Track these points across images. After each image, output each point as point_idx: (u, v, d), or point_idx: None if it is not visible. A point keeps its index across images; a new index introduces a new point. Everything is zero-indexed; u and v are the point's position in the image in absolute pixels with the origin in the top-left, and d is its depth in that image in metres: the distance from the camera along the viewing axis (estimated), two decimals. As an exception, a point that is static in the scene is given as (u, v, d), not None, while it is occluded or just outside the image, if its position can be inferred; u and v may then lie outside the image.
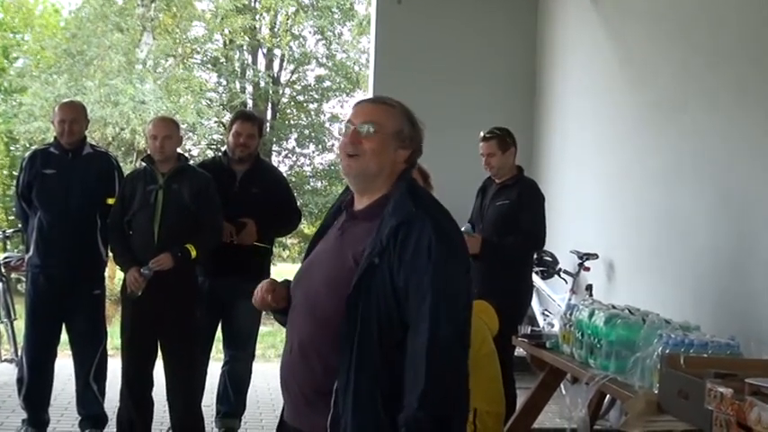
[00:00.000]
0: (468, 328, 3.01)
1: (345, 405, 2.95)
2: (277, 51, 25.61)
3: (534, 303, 8.88)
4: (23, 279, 8.57)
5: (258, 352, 7.35)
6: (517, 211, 6.62)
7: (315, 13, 25.02)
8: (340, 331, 2.98)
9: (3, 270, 9.57)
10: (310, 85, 26.42)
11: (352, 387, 2.94)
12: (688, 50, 7.09)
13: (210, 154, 20.98)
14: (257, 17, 24.84)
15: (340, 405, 2.97)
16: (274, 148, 25.21)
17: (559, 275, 8.92)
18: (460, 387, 2.95)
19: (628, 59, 8.25)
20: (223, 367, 7.03)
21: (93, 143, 7.40)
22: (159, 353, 6.47)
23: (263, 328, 7.81)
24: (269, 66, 25.82)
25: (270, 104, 25.48)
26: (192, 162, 6.83)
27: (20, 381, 6.70)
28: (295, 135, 26.07)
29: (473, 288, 3.16)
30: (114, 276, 15.93)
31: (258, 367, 7.24)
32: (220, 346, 7.17)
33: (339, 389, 2.97)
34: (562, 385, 6.53)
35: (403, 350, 2.92)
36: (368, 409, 2.93)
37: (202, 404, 6.65)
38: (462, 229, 6.59)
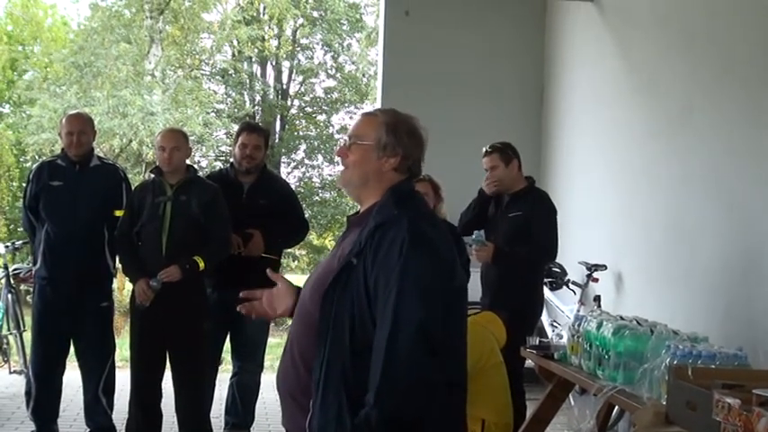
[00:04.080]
0: (443, 334, 2.92)
1: (315, 402, 2.97)
2: (286, 63, 25.67)
3: (543, 314, 8.88)
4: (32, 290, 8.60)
5: (266, 363, 7.35)
6: (530, 223, 6.62)
7: (323, 26, 25.08)
8: (317, 328, 3.02)
9: (12, 281, 9.60)
10: (319, 97, 26.47)
11: (322, 384, 2.95)
12: (695, 61, 7.09)
13: (219, 165, 21.02)
14: (265, 28, 24.87)
15: (314, 403, 2.99)
16: (283, 159, 25.25)
17: (568, 286, 8.92)
18: (421, 392, 2.84)
19: (635, 71, 8.25)
20: (232, 378, 7.04)
21: (101, 155, 7.41)
22: (168, 364, 6.48)
23: (271, 339, 7.82)
24: (278, 77, 25.88)
25: (278, 116, 25.51)
26: (200, 173, 6.84)
27: (28, 393, 6.70)
28: (304, 146, 26.11)
29: (461, 296, 3.15)
30: (123, 288, 15.96)
31: (267, 378, 7.24)
32: (229, 357, 7.17)
33: (312, 386, 3.00)
34: (570, 396, 6.53)
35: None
36: (332, 408, 2.92)
37: (211, 415, 6.66)
38: (473, 236, 6.61)
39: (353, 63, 25.91)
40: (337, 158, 3.33)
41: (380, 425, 2.79)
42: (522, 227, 6.62)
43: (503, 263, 6.63)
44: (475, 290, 5.93)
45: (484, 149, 6.86)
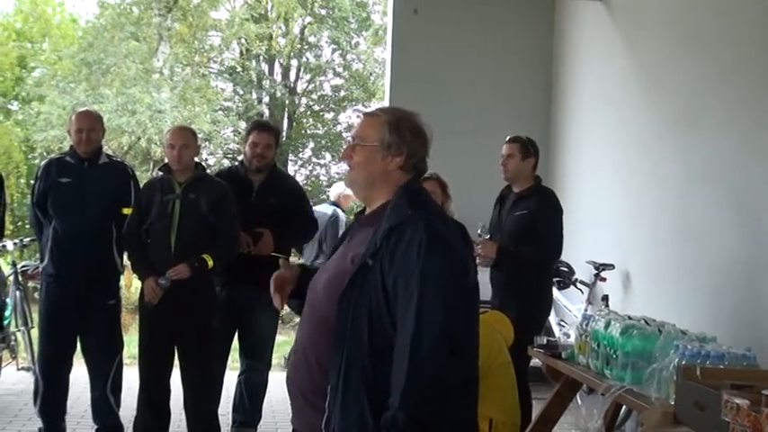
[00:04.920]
0: (463, 334, 2.96)
1: (335, 405, 2.98)
2: (294, 61, 25.66)
3: (550, 314, 8.88)
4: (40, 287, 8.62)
5: (274, 361, 7.36)
6: (535, 221, 6.60)
7: (331, 24, 25.08)
8: (334, 330, 3.02)
9: (20, 278, 9.61)
10: (327, 95, 26.46)
11: (341, 387, 2.96)
12: (702, 62, 7.09)
13: (227, 163, 21.03)
14: (273, 26, 24.88)
15: (331, 405, 2.99)
16: (291, 157, 25.25)
17: (575, 286, 8.91)
18: (444, 393, 2.86)
19: (642, 70, 8.24)
20: (239, 376, 7.04)
21: (110, 153, 7.40)
22: (177, 362, 6.48)
23: (279, 338, 7.82)
24: (285, 75, 25.87)
25: (286, 114, 25.50)
26: (208, 171, 6.83)
27: (35, 391, 6.70)
28: (311, 145, 26.12)
29: (474, 294, 3.14)
30: (131, 285, 15.98)
31: (274, 376, 7.25)
32: (237, 355, 7.18)
33: (330, 388, 3.00)
34: (578, 396, 6.52)
35: (393, 352, 2.91)
36: (354, 410, 2.93)
37: (219, 413, 6.66)
38: (477, 231, 6.60)
39: (361, 61, 25.91)
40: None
41: (408, 426, 2.80)
42: (528, 226, 6.60)
43: (508, 263, 6.62)
44: (485, 288, 5.93)
45: (508, 137, 6.84)
